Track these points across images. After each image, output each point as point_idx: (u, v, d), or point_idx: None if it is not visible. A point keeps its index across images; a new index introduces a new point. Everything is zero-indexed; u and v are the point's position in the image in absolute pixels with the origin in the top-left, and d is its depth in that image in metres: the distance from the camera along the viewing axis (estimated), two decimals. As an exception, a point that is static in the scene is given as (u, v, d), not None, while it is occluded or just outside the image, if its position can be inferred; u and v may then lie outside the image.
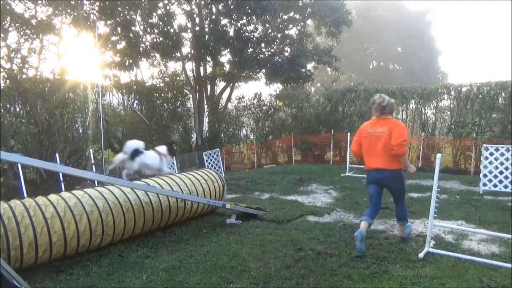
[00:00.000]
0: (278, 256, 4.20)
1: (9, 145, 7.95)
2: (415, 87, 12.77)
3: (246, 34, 14.60)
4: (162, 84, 15.45)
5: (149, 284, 3.61)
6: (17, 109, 8.78)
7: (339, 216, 6.03)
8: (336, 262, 4.02)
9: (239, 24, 14.57)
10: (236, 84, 16.51)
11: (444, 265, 3.90)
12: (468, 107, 11.73)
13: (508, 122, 10.88)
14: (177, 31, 14.34)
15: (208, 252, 4.38)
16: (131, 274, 3.82)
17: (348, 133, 11.12)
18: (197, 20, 15.02)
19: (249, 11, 13.77)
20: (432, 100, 12.49)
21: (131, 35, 13.61)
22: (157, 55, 14.91)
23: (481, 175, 7.68)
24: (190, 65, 15.75)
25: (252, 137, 16.16)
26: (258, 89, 31.82)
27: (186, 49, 15.06)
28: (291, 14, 15.66)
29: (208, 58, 15.06)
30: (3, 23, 8.36)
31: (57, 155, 7.96)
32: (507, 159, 7.47)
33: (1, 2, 8.30)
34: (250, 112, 16.17)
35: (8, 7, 8.73)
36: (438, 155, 4.24)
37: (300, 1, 15.47)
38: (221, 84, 16.66)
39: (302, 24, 16.03)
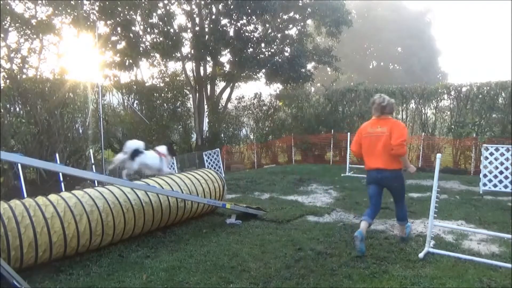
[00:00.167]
0: (278, 256, 4.20)
1: (9, 145, 7.95)
2: (415, 87, 12.77)
3: (246, 34, 14.60)
4: (162, 84, 15.45)
5: (149, 284, 3.61)
6: (17, 109, 8.77)
7: (339, 216, 6.03)
8: (336, 262, 4.02)
9: (239, 24, 14.57)
10: (236, 84, 16.50)
11: (444, 265, 3.90)
12: (468, 107, 11.73)
13: (508, 122, 10.88)
14: (177, 31, 14.33)
15: (208, 252, 4.38)
16: (131, 274, 3.82)
17: (348, 133, 11.13)
18: (197, 20, 15.02)
19: (249, 11, 13.76)
20: (432, 100, 12.49)
21: (131, 35, 13.61)
22: (157, 55, 14.91)
23: (481, 175, 7.69)
24: (190, 65, 15.77)
25: (252, 137, 16.16)
26: (258, 89, 31.87)
27: (186, 49, 15.08)
28: (291, 14, 15.66)
29: (208, 58, 15.06)
30: (3, 23, 8.36)
31: (57, 155, 7.96)
32: (507, 159, 7.47)
33: (1, 2, 8.30)
34: (250, 112, 16.17)
35: (8, 7, 8.73)
36: (438, 155, 4.24)
37: (300, 1, 15.46)
38: (221, 84, 16.67)
39: (302, 24, 16.03)
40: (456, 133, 11.54)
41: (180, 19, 18.66)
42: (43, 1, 9.42)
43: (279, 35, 15.44)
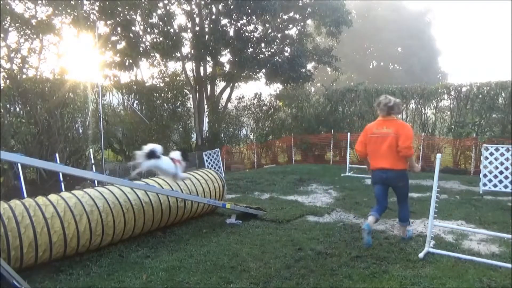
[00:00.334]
0: (278, 256, 4.21)
1: (9, 145, 7.95)
2: (415, 87, 12.76)
3: (246, 34, 14.59)
4: (162, 84, 15.43)
5: (149, 284, 3.61)
6: (17, 109, 8.77)
7: (339, 216, 6.03)
8: (336, 262, 4.02)
9: (239, 24, 14.56)
10: (236, 84, 16.49)
11: (444, 265, 3.90)
12: (468, 107, 11.73)
13: (508, 122, 10.88)
14: (177, 31, 14.32)
15: (208, 252, 4.38)
16: (131, 274, 3.82)
17: (348, 133, 11.14)
18: (197, 20, 15.01)
19: (249, 11, 13.75)
20: (432, 100, 12.49)
21: (131, 35, 13.59)
22: (157, 55, 14.89)
23: (481, 175, 7.69)
24: (190, 65, 15.75)
25: (252, 137, 16.16)
26: (258, 89, 31.85)
27: (186, 49, 15.06)
28: (291, 14, 15.65)
29: (208, 58, 15.05)
30: (3, 23, 8.35)
31: (57, 155, 7.95)
32: (507, 159, 7.47)
33: (1, 2, 8.30)
34: (250, 112, 16.16)
35: (8, 7, 8.73)
36: (438, 155, 4.25)
37: (300, 1, 15.45)
38: (221, 84, 16.65)
39: (302, 24, 16.02)
40: (456, 133, 11.54)
41: (180, 19, 18.67)
42: (43, 1, 9.41)
43: (279, 35, 15.43)
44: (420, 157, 11.46)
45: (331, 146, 13.37)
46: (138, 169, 4.91)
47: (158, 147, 5.01)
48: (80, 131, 9.98)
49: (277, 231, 5.14)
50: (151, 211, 4.94)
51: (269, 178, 9.83)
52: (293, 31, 16.01)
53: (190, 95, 15.64)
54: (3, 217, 3.67)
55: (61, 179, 7.24)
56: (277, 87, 17.16)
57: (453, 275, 3.65)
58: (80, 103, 9.66)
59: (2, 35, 8.47)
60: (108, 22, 12.71)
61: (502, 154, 7.54)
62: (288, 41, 15.51)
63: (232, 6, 13.89)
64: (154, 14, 13.56)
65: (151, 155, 4.85)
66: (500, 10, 61.11)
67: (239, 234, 5.05)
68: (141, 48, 13.99)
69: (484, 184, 7.63)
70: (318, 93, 16.16)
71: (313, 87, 24.38)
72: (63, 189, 6.73)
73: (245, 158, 15.30)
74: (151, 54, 14.71)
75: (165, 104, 14.99)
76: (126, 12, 12.67)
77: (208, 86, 16.21)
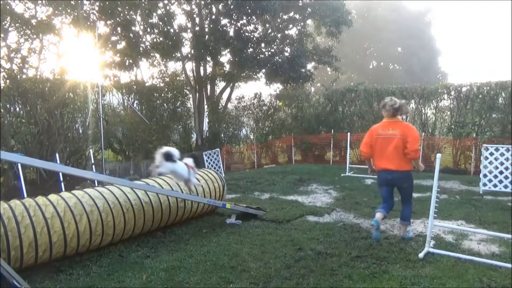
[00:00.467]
0: (278, 256, 4.21)
1: (9, 145, 7.95)
2: (415, 87, 12.76)
3: (246, 34, 14.58)
4: (162, 84, 15.42)
5: (149, 284, 3.61)
6: (17, 109, 8.77)
7: (339, 216, 6.03)
8: (336, 262, 4.02)
9: (239, 24, 14.56)
10: (236, 84, 16.49)
11: (444, 265, 3.90)
12: (468, 107, 11.73)
13: (508, 122, 10.88)
14: (177, 31, 14.32)
15: (208, 252, 4.38)
16: (131, 274, 3.82)
17: (348, 133, 11.14)
18: (197, 20, 15.01)
19: (249, 11, 13.75)
20: (432, 100, 12.49)
21: (131, 35, 13.58)
22: (157, 55, 14.89)
23: (481, 175, 7.69)
24: (190, 65, 15.74)
25: (252, 137, 16.16)
26: (258, 89, 31.85)
27: (186, 49, 15.05)
28: (291, 14, 15.65)
29: (208, 58, 15.04)
30: (3, 23, 8.35)
31: (57, 155, 7.96)
32: (507, 159, 7.47)
33: (1, 2, 8.30)
34: (250, 112, 16.17)
35: (8, 7, 8.72)
36: (438, 155, 4.26)
37: (300, 1, 15.45)
38: (221, 84, 16.65)
39: (302, 24, 16.02)
40: (456, 133, 11.54)
41: (180, 19, 18.67)
42: (43, 1, 9.41)
43: (279, 35, 15.43)
44: (420, 157, 11.44)
45: (331, 146, 13.38)
46: (158, 169, 4.92)
47: (175, 151, 5.02)
48: (80, 131, 9.98)
49: (277, 231, 5.14)
50: (151, 211, 4.94)
51: (269, 178, 9.83)
52: (293, 31, 16.03)
53: (190, 95, 15.64)
54: (3, 217, 3.67)
55: (61, 179, 7.25)
56: (277, 87, 17.18)
57: (453, 275, 3.65)
58: (80, 103, 9.67)
59: (2, 35, 8.47)
60: (108, 22, 12.70)
61: (502, 154, 7.54)
62: (288, 41, 15.51)
63: (232, 6, 13.89)
64: (154, 14, 13.56)
65: (168, 157, 4.88)
66: (500, 10, 61.12)
67: (239, 234, 5.05)
68: (141, 48, 13.98)
69: (484, 184, 7.63)
70: (318, 93, 16.16)
71: (313, 87, 24.38)
72: (63, 189, 6.73)
73: (245, 158, 15.31)
74: (151, 54, 14.70)
75: (165, 104, 14.97)
76: (126, 12, 12.67)
77: (208, 86, 16.21)
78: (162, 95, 15.04)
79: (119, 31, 13.44)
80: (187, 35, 14.97)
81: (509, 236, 4.22)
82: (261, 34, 14.95)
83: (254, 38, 14.69)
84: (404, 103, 4.67)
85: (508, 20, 52.94)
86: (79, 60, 9.78)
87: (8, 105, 8.55)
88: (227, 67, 15.68)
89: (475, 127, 11.40)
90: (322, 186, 8.69)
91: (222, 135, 15.96)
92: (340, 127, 13.79)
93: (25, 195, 6.24)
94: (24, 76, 8.82)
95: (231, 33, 14.67)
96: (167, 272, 3.84)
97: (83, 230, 4.19)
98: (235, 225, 5.49)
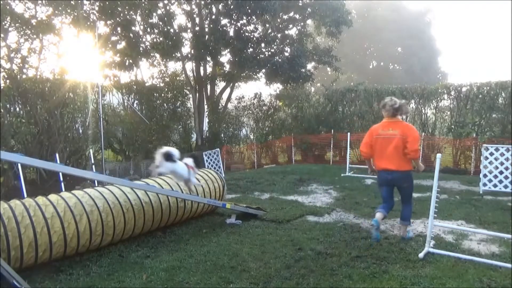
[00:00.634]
0: (278, 256, 4.21)
1: (9, 145, 7.95)
2: (415, 87, 12.76)
3: (246, 34, 14.58)
4: (162, 84, 15.42)
5: (149, 284, 3.61)
6: (17, 109, 8.77)
7: (339, 216, 6.03)
8: (336, 262, 4.02)
9: (239, 24, 14.56)
10: (236, 84, 16.49)
11: (444, 265, 3.90)
12: (468, 107, 11.73)
13: (508, 122, 10.88)
14: (177, 31, 14.32)
15: (208, 252, 4.38)
16: (131, 274, 3.82)
17: (348, 133, 11.14)
18: (197, 20, 15.01)
19: (249, 11, 13.75)
20: (432, 100, 12.49)
21: (131, 35, 13.58)
22: (157, 55, 14.89)
23: (481, 175, 7.69)
24: (190, 65, 15.74)
25: (252, 137, 16.16)
26: (258, 89, 31.83)
27: (186, 49, 15.05)
28: (291, 14, 15.64)
29: (208, 58, 15.04)
30: (3, 23, 8.35)
31: (57, 155, 7.95)
32: (507, 159, 7.47)
33: (1, 2, 8.29)
34: (250, 112, 16.17)
35: (8, 7, 8.72)
36: (438, 155, 4.26)
37: (300, 1, 15.45)
38: (221, 84, 16.65)
39: (302, 24, 16.01)
40: (456, 133, 11.54)
41: (180, 19, 18.67)
42: (43, 1, 9.41)
43: (279, 35, 15.42)
44: (420, 157, 11.45)
45: (331, 146, 13.38)
46: (158, 169, 4.92)
47: (175, 151, 5.03)
48: (80, 131, 9.98)
49: (277, 231, 5.14)
50: (151, 211, 4.94)
51: (269, 178, 9.83)
52: (293, 31, 16.02)
53: (190, 95, 15.64)
54: (3, 217, 3.67)
55: (61, 179, 7.25)
56: (277, 87, 17.18)
57: (453, 275, 3.65)
58: (80, 103, 9.67)
59: (2, 35, 8.47)
60: (108, 22, 12.70)
61: (502, 154, 7.54)
62: (288, 41, 15.50)
63: (232, 6, 13.88)
64: (154, 14, 13.56)
65: (168, 157, 4.88)
66: (500, 10, 61.11)
67: (239, 234, 5.05)
68: (141, 48, 13.98)
69: (484, 184, 7.63)
70: (318, 93, 16.16)
71: (313, 87, 24.38)
72: (63, 189, 6.73)
73: (245, 158, 15.30)
74: (151, 54, 14.70)
75: (165, 104, 14.97)
76: (126, 12, 12.67)
77: (208, 86, 16.20)
78: (162, 95, 15.04)
79: (119, 31, 13.44)
80: (187, 35, 14.98)
81: (509, 236, 4.22)
82: (261, 34, 14.95)
83: (254, 38, 14.69)
84: (404, 103, 4.68)
85: (508, 20, 52.96)
86: (79, 60, 9.78)
87: (8, 105, 8.55)
88: (227, 67, 15.68)
89: (475, 127, 11.40)
90: (322, 186, 8.69)
91: (222, 135, 15.96)
92: (340, 127, 13.79)
93: (25, 195, 6.24)
94: (24, 76, 8.82)
95: (231, 33, 14.67)
96: (167, 272, 3.84)
97: (83, 230, 4.19)
98: (235, 225, 5.49)
